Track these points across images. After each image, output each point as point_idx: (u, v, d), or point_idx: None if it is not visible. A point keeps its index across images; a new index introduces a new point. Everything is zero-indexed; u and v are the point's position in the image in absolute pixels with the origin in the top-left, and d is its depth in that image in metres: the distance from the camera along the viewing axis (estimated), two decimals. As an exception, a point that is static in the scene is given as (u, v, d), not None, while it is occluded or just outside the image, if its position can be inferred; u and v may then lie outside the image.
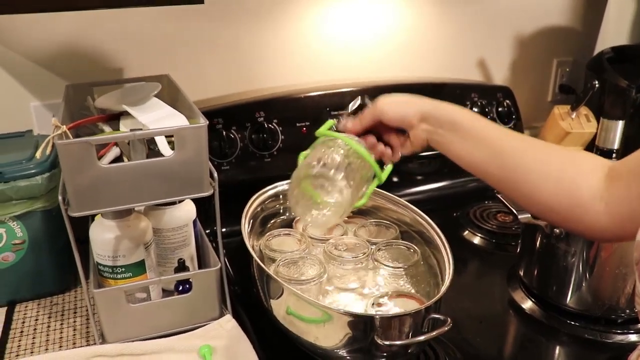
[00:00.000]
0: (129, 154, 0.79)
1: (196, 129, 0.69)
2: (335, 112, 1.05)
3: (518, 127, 1.20)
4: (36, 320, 0.86)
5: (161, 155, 0.74)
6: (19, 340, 0.81)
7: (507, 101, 1.19)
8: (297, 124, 1.02)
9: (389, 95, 0.73)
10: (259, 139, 0.99)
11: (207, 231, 0.92)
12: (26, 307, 0.88)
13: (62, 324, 0.85)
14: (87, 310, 0.87)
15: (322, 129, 0.75)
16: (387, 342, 0.65)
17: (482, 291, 0.97)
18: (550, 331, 0.85)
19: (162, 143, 0.75)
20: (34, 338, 0.82)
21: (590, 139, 1.21)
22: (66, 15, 0.94)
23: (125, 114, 0.84)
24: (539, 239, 0.89)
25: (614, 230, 0.59)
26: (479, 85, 1.23)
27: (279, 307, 0.76)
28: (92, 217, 0.92)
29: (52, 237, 0.87)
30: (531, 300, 0.90)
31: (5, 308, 0.88)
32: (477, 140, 0.67)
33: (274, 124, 1.00)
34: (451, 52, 1.26)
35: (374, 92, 1.10)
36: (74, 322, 0.85)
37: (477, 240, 1.08)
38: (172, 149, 0.73)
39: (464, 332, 0.82)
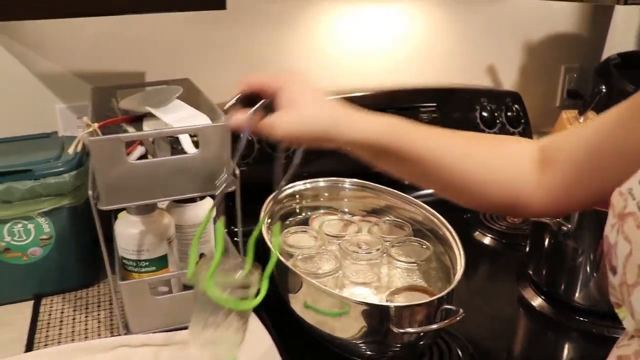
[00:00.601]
0: (153, 153, 0.84)
1: (220, 127, 0.73)
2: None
3: (527, 132, 1.24)
4: (62, 312, 0.90)
5: (185, 153, 0.78)
6: (47, 331, 0.85)
7: (516, 106, 1.23)
8: (311, 127, 1.06)
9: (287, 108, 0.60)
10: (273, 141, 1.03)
11: (225, 230, 0.95)
12: (52, 300, 0.93)
13: (86, 317, 0.89)
14: (110, 303, 0.92)
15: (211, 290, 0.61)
16: (401, 330, 0.69)
17: (493, 289, 1.00)
18: (559, 326, 0.89)
19: (186, 142, 0.79)
20: (60, 329, 0.86)
21: (597, 143, 1.25)
22: (91, 20, 1.00)
23: (149, 115, 0.88)
24: (548, 237, 0.93)
25: (550, 210, 0.62)
26: (488, 91, 1.27)
27: (296, 300, 0.80)
28: (115, 215, 0.97)
29: (77, 234, 0.91)
30: (540, 297, 0.94)
31: (32, 301, 0.92)
32: (405, 162, 0.63)
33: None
34: (461, 58, 1.30)
35: (386, 97, 1.15)
36: (98, 315, 0.89)
37: (487, 240, 1.12)
38: (196, 147, 0.77)
39: (476, 328, 0.86)
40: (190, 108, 0.85)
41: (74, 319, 0.88)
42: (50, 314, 0.89)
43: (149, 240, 0.81)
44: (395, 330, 0.69)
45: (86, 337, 0.84)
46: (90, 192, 0.73)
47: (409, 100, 1.15)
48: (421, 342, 0.76)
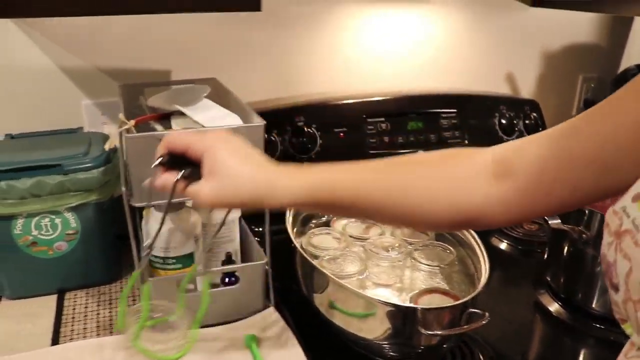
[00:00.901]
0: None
1: (255, 127, 0.75)
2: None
3: (544, 140, 1.26)
4: (86, 307, 0.92)
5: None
6: (72, 325, 0.87)
7: (534, 114, 1.25)
8: (335, 130, 1.09)
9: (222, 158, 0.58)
10: (298, 143, 1.05)
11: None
12: (75, 295, 0.94)
13: (110, 312, 0.90)
14: (133, 300, 0.94)
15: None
16: (429, 332, 0.71)
17: (510, 294, 1.02)
18: (576, 333, 0.91)
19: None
20: (85, 324, 0.88)
21: (614, 153, 1.27)
22: (120, 18, 1.01)
23: (177, 113, 0.90)
24: (567, 244, 0.94)
25: (512, 219, 0.59)
26: (507, 98, 1.29)
27: (321, 301, 0.81)
28: (140, 212, 0.99)
29: (102, 229, 0.93)
30: (558, 303, 0.96)
31: (56, 295, 0.94)
32: (346, 211, 0.63)
33: (312, 128, 1.07)
34: (480, 64, 1.32)
35: (407, 102, 1.17)
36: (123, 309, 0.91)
37: (503, 246, 1.14)
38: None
39: (494, 332, 0.87)
40: (220, 107, 0.87)
41: (98, 313, 0.90)
42: (74, 308, 0.91)
43: (177, 238, 0.83)
44: (424, 331, 0.70)
45: (111, 332, 0.86)
46: (123, 189, 0.75)
47: (429, 106, 1.17)
48: (445, 345, 0.78)
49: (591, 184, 0.51)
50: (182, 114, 0.89)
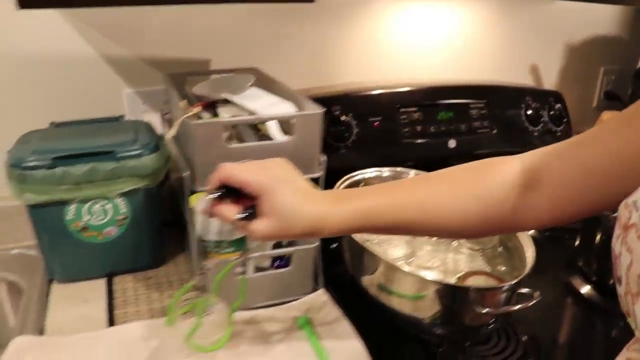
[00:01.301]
0: (237, 138, 0.89)
1: (314, 115, 0.79)
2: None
3: (567, 131, 1.31)
4: (135, 291, 0.95)
5: (270, 139, 0.84)
6: (124, 308, 0.90)
7: (558, 105, 1.30)
8: (370, 119, 1.13)
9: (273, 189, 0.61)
10: (335, 131, 1.09)
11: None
12: (123, 279, 0.98)
13: (160, 295, 0.94)
14: (181, 283, 0.97)
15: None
16: (484, 311, 0.75)
17: (541, 279, 1.07)
18: (608, 314, 0.96)
19: (274, 128, 0.85)
20: (137, 306, 0.91)
21: (636, 143, 1.33)
22: (162, 8, 1.05)
23: (223, 101, 0.94)
24: (600, 230, 1.00)
25: (542, 225, 0.64)
26: (532, 90, 1.34)
27: (371, 282, 0.86)
28: (185, 198, 1.02)
29: (150, 215, 0.96)
30: (589, 285, 1.01)
31: (105, 279, 0.97)
32: (390, 232, 0.71)
33: (349, 117, 1.11)
34: (505, 56, 1.37)
35: (437, 93, 1.21)
36: (172, 293, 0.94)
37: (530, 232, 1.19)
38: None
39: (529, 313, 0.92)
40: (271, 95, 0.90)
41: (148, 296, 0.94)
42: (124, 292, 0.94)
43: (230, 222, 0.87)
44: (479, 310, 0.75)
45: (163, 315, 0.89)
46: (185, 174, 0.78)
47: (459, 97, 1.21)
48: (491, 326, 0.83)
49: (620, 188, 0.50)
50: (227, 101, 0.93)
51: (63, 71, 1.03)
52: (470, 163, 0.66)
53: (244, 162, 0.65)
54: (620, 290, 0.45)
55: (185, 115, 0.78)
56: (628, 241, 0.43)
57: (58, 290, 0.95)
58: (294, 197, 0.62)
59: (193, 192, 0.82)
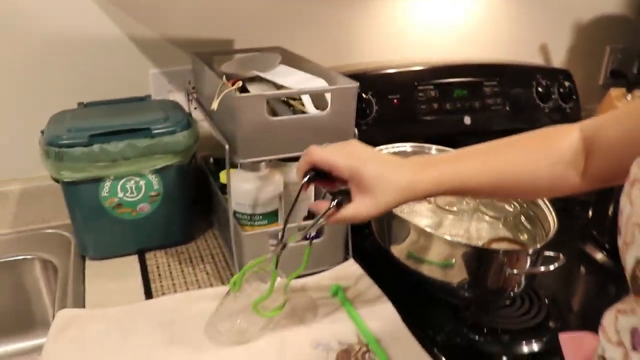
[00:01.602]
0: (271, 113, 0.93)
1: (350, 88, 0.84)
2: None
3: (576, 108, 1.36)
4: (168, 266, 0.99)
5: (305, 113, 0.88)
6: (160, 282, 0.94)
7: (567, 83, 1.35)
8: (389, 96, 1.17)
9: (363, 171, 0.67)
10: (356, 108, 1.13)
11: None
12: (155, 255, 1.01)
13: (193, 269, 0.98)
14: (212, 257, 1.01)
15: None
16: (515, 271, 0.80)
17: (558, 247, 1.12)
18: (620, 279, 1.01)
19: (308, 102, 0.89)
20: (172, 280, 0.95)
21: (643, 119, 1.40)
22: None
23: (254, 79, 0.97)
24: (613, 200, 1.05)
25: (590, 189, 0.70)
26: (542, 68, 1.39)
27: (400, 250, 0.90)
28: (213, 175, 1.06)
29: (181, 192, 1.00)
30: (602, 253, 1.07)
31: (136, 256, 1.01)
32: (470, 193, 0.79)
33: (369, 95, 1.15)
34: (516, 35, 1.42)
35: (452, 71, 1.26)
36: (204, 267, 0.98)
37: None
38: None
39: (548, 278, 0.97)
40: (300, 72, 0.94)
41: (182, 271, 0.97)
42: (158, 267, 0.98)
43: (264, 195, 0.91)
44: (510, 271, 0.80)
45: (199, 287, 0.93)
46: (227, 147, 0.82)
47: (473, 75, 1.26)
48: (515, 290, 0.87)
49: None
50: (255, 79, 0.97)
51: (90, 52, 1.06)
52: (536, 131, 0.72)
53: (324, 146, 0.70)
54: (620, 241, 0.48)
55: (228, 89, 0.81)
56: (632, 195, 0.46)
57: (92, 267, 0.98)
58: (383, 169, 0.67)
59: (234, 166, 0.86)
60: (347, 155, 0.68)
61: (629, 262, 0.45)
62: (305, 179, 0.70)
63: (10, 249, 1.04)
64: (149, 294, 0.91)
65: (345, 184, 0.69)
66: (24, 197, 1.09)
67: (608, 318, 0.51)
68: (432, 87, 1.21)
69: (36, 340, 1.06)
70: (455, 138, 1.17)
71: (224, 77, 0.85)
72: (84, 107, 1.04)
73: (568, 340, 0.68)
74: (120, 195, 0.96)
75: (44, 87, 1.06)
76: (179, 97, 1.12)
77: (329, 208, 0.70)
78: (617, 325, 0.49)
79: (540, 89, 1.32)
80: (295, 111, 0.91)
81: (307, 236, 0.76)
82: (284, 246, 0.76)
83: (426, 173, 0.68)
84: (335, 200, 0.69)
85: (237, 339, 0.79)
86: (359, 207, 0.68)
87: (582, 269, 1.07)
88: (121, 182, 0.95)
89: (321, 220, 0.70)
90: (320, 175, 0.71)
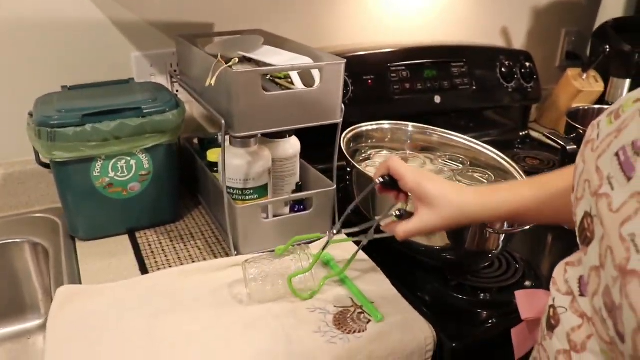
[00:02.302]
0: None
1: (338, 65, 0.90)
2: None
3: (536, 88, 1.47)
4: (160, 243, 1.03)
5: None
6: (154, 258, 0.98)
7: (528, 64, 1.46)
8: (364, 77, 1.24)
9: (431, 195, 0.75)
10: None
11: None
12: (145, 234, 1.05)
13: (185, 245, 1.02)
14: (202, 234, 1.06)
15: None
16: (492, 230, 0.89)
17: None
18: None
19: (297, 79, 0.95)
20: (165, 256, 0.99)
21: (598, 97, 1.52)
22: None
23: (241, 59, 1.02)
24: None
25: None
26: (504, 50, 1.49)
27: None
28: (199, 154, 1.11)
29: (170, 171, 1.04)
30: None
31: (126, 235, 1.04)
32: (514, 221, 0.86)
33: (345, 76, 1.21)
34: (479, 19, 1.53)
35: (423, 52, 1.34)
36: (195, 243, 1.03)
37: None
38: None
39: (522, 241, 1.07)
40: (285, 51, 1.00)
41: (174, 247, 1.02)
42: (149, 245, 1.02)
43: (254, 170, 0.96)
44: (492, 231, 0.88)
45: (193, 261, 0.98)
46: (223, 122, 0.87)
47: (441, 57, 1.35)
48: (495, 251, 0.96)
49: None
50: (240, 60, 1.02)
51: (71, 35, 1.09)
52: (563, 169, 0.75)
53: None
54: (573, 197, 0.51)
55: (224, 67, 0.86)
56: (584, 154, 0.49)
57: (83, 247, 1.01)
58: (443, 187, 0.75)
59: (218, 146, 0.91)
60: (416, 171, 0.78)
61: (578, 215, 0.48)
62: (380, 179, 0.79)
63: (-1, 233, 1.06)
64: (144, 270, 0.95)
65: (406, 198, 0.80)
66: (7, 182, 1.10)
67: (558, 271, 0.57)
68: (403, 67, 1.29)
69: (26, 324, 1.08)
70: (428, 116, 1.25)
71: (219, 55, 0.90)
72: (69, 90, 1.07)
73: (522, 295, 0.75)
74: (112, 174, 0.99)
75: (25, 71, 1.08)
76: (161, 80, 1.16)
77: (390, 215, 0.81)
78: (565, 277, 0.55)
79: (503, 70, 1.42)
80: (282, 89, 0.97)
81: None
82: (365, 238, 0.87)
83: (479, 199, 0.75)
84: (399, 211, 0.80)
85: (257, 298, 0.85)
86: (423, 218, 0.76)
87: (554, 233, 1.16)
88: (112, 162, 0.98)
89: (386, 233, 0.82)
90: (391, 182, 0.79)
